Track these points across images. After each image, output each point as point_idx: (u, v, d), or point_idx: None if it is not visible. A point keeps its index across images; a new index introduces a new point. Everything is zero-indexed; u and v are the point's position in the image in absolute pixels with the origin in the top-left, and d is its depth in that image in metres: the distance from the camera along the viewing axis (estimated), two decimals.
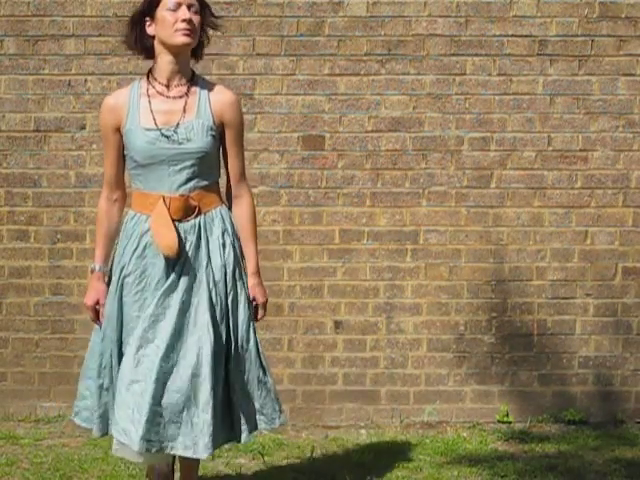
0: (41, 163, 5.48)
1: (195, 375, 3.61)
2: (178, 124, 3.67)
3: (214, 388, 3.63)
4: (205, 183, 3.73)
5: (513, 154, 5.56)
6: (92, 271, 3.84)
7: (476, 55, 5.51)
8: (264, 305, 3.88)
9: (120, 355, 3.73)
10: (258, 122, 5.49)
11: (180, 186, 3.69)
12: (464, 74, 5.52)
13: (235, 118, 3.82)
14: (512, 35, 5.51)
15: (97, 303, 3.82)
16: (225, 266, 3.75)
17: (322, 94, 5.50)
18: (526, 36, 5.51)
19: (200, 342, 3.64)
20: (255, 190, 5.49)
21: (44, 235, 5.51)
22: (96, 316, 3.83)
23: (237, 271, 3.79)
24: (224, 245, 3.76)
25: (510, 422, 5.59)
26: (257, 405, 3.86)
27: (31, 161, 5.47)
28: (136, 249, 3.72)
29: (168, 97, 3.69)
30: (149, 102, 3.67)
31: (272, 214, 5.52)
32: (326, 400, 5.59)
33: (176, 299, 3.67)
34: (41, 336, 5.54)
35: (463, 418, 5.61)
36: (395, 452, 5.11)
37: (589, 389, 5.64)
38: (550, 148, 5.56)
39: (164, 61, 3.70)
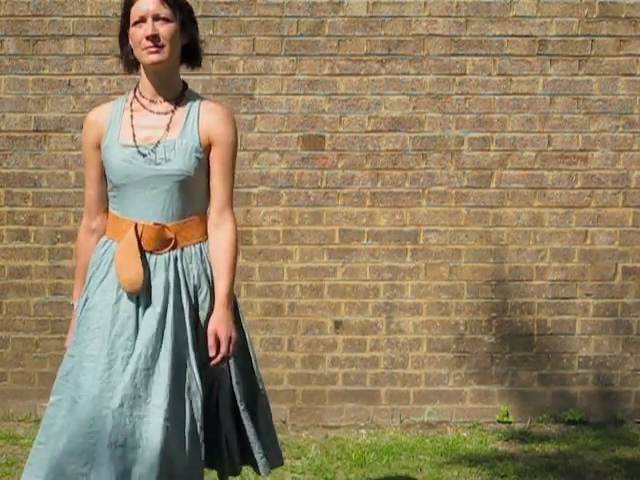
0: (41, 163, 5.48)
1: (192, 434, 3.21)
2: (158, 142, 3.26)
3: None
4: (186, 213, 3.29)
5: (513, 154, 5.56)
6: (75, 308, 3.42)
7: (476, 55, 5.51)
8: (228, 341, 3.26)
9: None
10: (258, 122, 5.49)
11: (156, 213, 3.27)
12: (464, 74, 5.52)
13: (225, 136, 3.31)
14: (512, 35, 5.51)
15: None
16: (198, 313, 3.29)
17: (322, 94, 5.50)
18: (526, 36, 5.51)
19: (190, 395, 3.22)
20: (255, 190, 5.49)
21: (44, 235, 5.51)
22: None
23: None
24: (200, 290, 3.29)
25: (510, 422, 5.59)
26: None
27: (31, 161, 5.47)
28: (103, 280, 3.30)
29: (152, 112, 3.30)
30: (131, 117, 3.32)
31: (272, 214, 5.52)
32: (326, 400, 5.59)
33: (165, 351, 3.21)
34: (41, 336, 5.54)
35: (463, 418, 5.61)
36: (395, 452, 5.11)
37: (589, 389, 5.64)
38: (550, 148, 5.56)
39: (147, 76, 3.32)
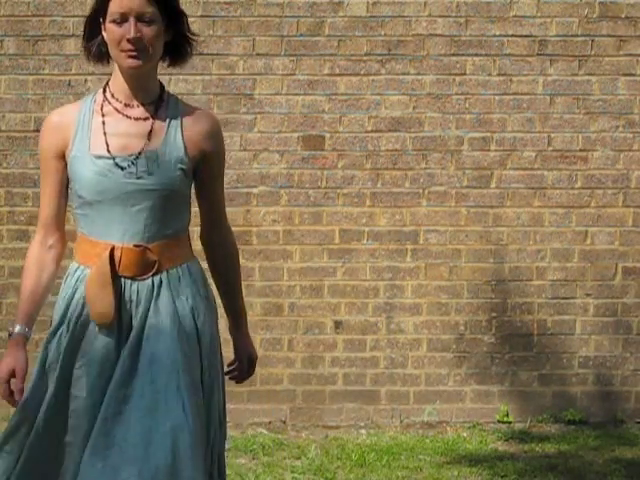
0: None
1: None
2: (139, 153, 2.83)
3: None
4: (170, 231, 2.89)
5: (513, 154, 5.56)
6: (10, 334, 2.97)
7: (476, 55, 5.51)
8: (254, 363, 3.16)
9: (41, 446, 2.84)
10: (258, 122, 5.49)
11: (136, 234, 2.85)
12: (464, 74, 5.52)
13: (215, 147, 2.95)
14: (512, 35, 5.51)
15: (13, 375, 2.86)
16: (199, 338, 2.89)
17: (322, 94, 5.50)
18: (526, 36, 5.51)
19: (174, 432, 2.74)
20: (255, 190, 5.49)
21: None
22: (10, 393, 2.85)
23: (214, 344, 2.95)
24: (197, 312, 2.90)
25: (510, 422, 5.59)
26: None
27: (31, 161, 5.47)
28: (76, 313, 2.90)
29: (128, 117, 2.87)
30: (103, 122, 2.86)
31: (272, 214, 5.52)
32: (326, 400, 5.59)
33: (138, 388, 2.78)
34: (41, 336, 5.51)
35: (463, 418, 5.61)
36: (395, 452, 5.11)
37: (589, 389, 5.64)
38: (550, 148, 5.56)
39: (121, 76, 2.88)
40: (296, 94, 5.50)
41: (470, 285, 5.58)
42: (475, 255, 5.57)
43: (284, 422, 5.52)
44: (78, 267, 2.95)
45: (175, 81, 5.33)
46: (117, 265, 2.84)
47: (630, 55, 5.53)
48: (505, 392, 5.62)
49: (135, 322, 2.84)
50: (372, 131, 5.52)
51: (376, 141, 5.52)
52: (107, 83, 2.92)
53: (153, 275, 2.87)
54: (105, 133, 2.85)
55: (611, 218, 5.59)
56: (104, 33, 2.84)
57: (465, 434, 5.47)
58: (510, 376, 5.62)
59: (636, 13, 5.52)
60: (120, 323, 2.85)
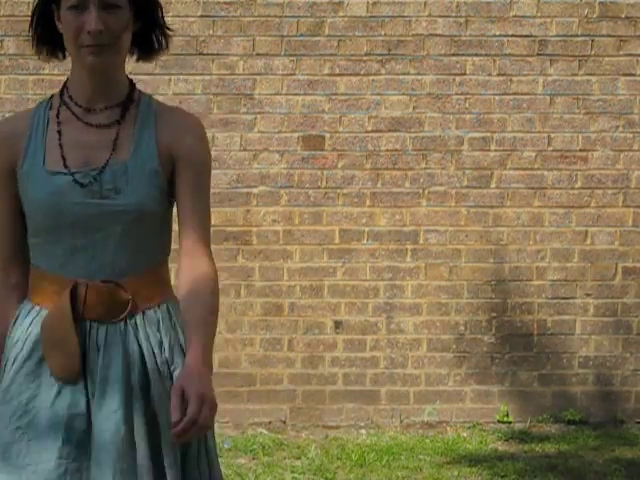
0: None
1: None
2: (104, 166, 2.29)
3: None
4: (145, 263, 2.34)
5: (513, 154, 5.56)
6: None
7: (476, 55, 5.51)
8: (200, 400, 2.11)
9: None
10: (258, 122, 5.49)
11: (103, 267, 2.30)
12: (464, 74, 5.52)
13: (197, 153, 2.35)
14: (512, 35, 5.51)
15: None
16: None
17: (322, 94, 5.50)
18: (526, 36, 5.51)
19: None
20: (255, 190, 5.49)
21: None
22: None
23: None
24: (174, 367, 2.33)
25: (510, 422, 5.59)
26: None
27: None
28: (26, 362, 2.32)
29: (89, 125, 2.33)
30: (59, 132, 2.33)
31: (272, 214, 5.52)
32: (326, 400, 5.59)
33: (98, 452, 2.27)
34: None
35: (463, 418, 5.61)
36: (395, 452, 5.11)
37: (589, 389, 5.64)
38: (550, 148, 5.56)
39: (81, 75, 2.35)
40: (296, 94, 5.50)
41: (470, 285, 5.58)
42: (475, 255, 5.57)
43: (284, 422, 5.52)
44: (32, 308, 2.35)
45: (175, 81, 5.33)
46: (81, 306, 2.30)
47: (630, 55, 5.53)
48: (505, 392, 5.62)
49: (99, 376, 2.29)
50: (372, 131, 5.52)
51: (376, 141, 5.52)
52: (65, 84, 2.42)
53: (126, 317, 2.31)
54: (61, 145, 2.32)
55: (611, 218, 5.59)
56: (58, 23, 2.31)
57: (465, 434, 5.47)
58: (510, 376, 5.62)
59: (636, 13, 5.52)
60: (84, 376, 2.31)
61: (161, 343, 2.34)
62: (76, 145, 2.32)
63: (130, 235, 2.30)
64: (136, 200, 2.29)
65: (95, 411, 2.29)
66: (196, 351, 2.20)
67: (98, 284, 2.30)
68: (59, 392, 2.30)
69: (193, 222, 2.32)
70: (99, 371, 2.30)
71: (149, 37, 2.39)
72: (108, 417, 2.28)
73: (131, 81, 2.41)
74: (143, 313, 2.33)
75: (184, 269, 2.31)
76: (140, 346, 2.32)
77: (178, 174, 2.34)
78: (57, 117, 2.36)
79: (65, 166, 2.30)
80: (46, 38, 2.37)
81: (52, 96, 2.45)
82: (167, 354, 2.34)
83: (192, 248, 2.32)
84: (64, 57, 2.41)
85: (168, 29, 2.40)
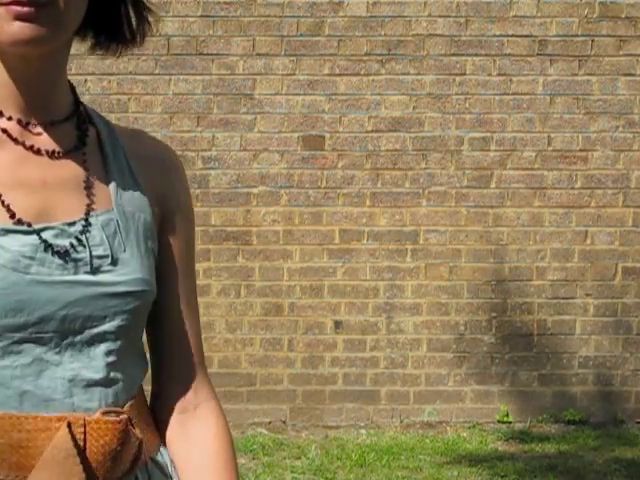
0: None
1: None
2: (86, 219, 1.39)
3: None
4: (138, 382, 1.47)
5: (513, 154, 5.56)
6: None
7: (476, 55, 5.51)
8: None
9: None
10: (258, 122, 5.50)
11: (100, 390, 1.39)
12: (464, 74, 5.52)
13: (189, 207, 1.55)
14: (512, 35, 5.51)
15: None
16: None
17: (322, 94, 5.51)
18: (526, 36, 5.51)
19: None
20: (255, 190, 5.49)
21: None
22: None
23: None
24: None
25: (510, 422, 5.59)
26: None
27: None
28: None
29: (35, 150, 1.39)
30: None
31: (272, 214, 5.52)
32: (326, 400, 5.59)
33: None
34: None
35: (463, 418, 5.61)
36: (395, 452, 5.11)
37: (589, 389, 5.64)
38: (550, 148, 5.57)
39: (7, 70, 1.37)
40: (296, 94, 5.50)
41: (470, 285, 5.58)
42: (475, 255, 5.57)
43: (284, 422, 5.52)
44: None
45: (175, 81, 5.33)
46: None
47: (630, 55, 5.54)
48: (505, 392, 5.62)
49: None
50: (372, 131, 5.53)
51: (376, 141, 5.53)
52: None
53: (134, 470, 1.42)
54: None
55: (611, 218, 5.59)
56: None
57: (465, 434, 5.47)
58: (510, 376, 5.62)
59: (636, 13, 5.53)
60: None
61: None
62: (22, 184, 1.36)
63: (127, 334, 1.42)
64: (141, 275, 1.41)
65: None
66: None
67: (98, 418, 1.37)
68: None
69: (191, 323, 1.52)
70: None
71: (115, 13, 1.47)
72: None
73: (71, 85, 1.51)
74: (152, 462, 1.49)
75: (195, 404, 1.54)
76: None
77: (163, 237, 1.50)
78: None
79: (16, 218, 1.33)
80: None
81: None
82: None
83: (200, 370, 1.55)
84: None
85: (149, 10, 1.47)
